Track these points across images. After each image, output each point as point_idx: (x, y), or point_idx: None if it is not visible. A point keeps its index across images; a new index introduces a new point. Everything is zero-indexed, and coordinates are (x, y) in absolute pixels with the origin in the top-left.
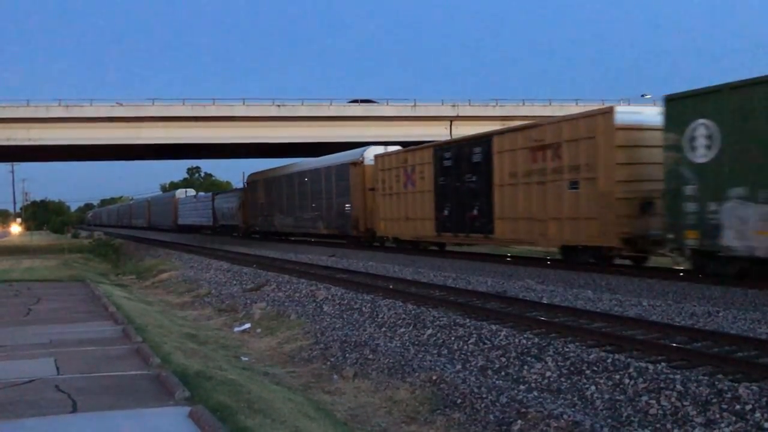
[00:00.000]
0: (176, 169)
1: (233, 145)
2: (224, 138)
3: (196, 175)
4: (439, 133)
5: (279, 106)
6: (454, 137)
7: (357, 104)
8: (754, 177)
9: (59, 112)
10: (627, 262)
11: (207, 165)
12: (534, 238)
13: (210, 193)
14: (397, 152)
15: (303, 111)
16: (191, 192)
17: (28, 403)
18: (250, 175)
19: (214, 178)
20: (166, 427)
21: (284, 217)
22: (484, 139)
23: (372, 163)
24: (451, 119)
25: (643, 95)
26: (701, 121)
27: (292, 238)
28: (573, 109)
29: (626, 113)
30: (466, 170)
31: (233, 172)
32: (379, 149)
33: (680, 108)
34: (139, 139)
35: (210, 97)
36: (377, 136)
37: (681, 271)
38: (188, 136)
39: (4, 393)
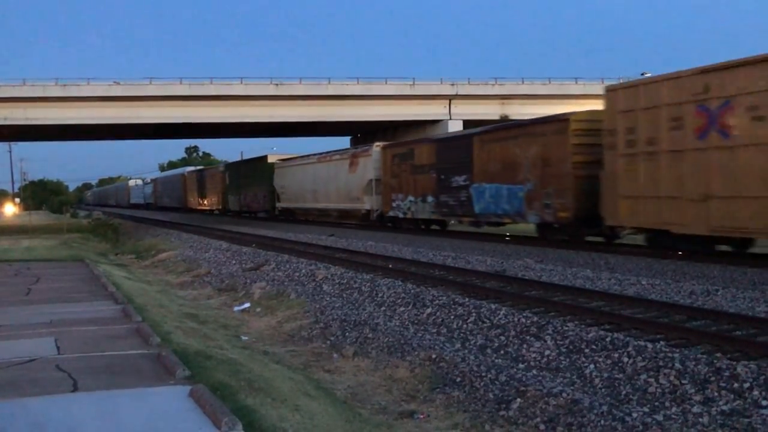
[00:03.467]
0: (175, 148)
1: (231, 125)
2: (222, 117)
3: (195, 154)
4: (438, 112)
5: (277, 85)
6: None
7: (355, 83)
8: (235, 189)
9: (56, 92)
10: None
11: (205, 144)
12: (258, 209)
13: (142, 183)
14: (200, 171)
15: (301, 90)
16: (139, 182)
17: (29, 382)
18: (153, 178)
19: (212, 157)
20: (166, 406)
21: (166, 199)
22: (222, 167)
23: (189, 174)
24: (450, 98)
25: (642, 73)
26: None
27: (215, 212)
28: (572, 88)
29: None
30: (213, 184)
31: (232, 151)
32: (192, 169)
33: (227, 168)
34: (136, 119)
35: (208, 76)
36: (376, 115)
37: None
38: (186, 116)
39: (5, 372)
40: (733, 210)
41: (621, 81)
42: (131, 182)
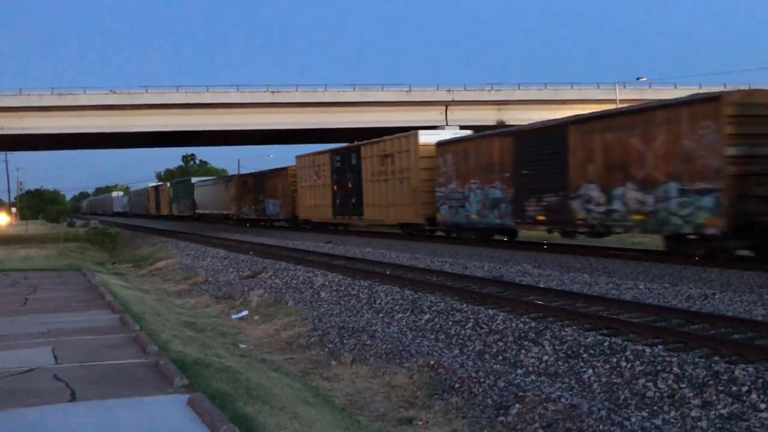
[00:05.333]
0: (173, 156)
1: (228, 132)
2: (218, 125)
3: (191, 162)
4: (434, 118)
5: (273, 92)
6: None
7: (351, 90)
8: (176, 200)
9: (52, 101)
10: None
11: (203, 152)
12: (188, 214)
13: (122, 195)
14: (156, 187)
15: (297, 97)
16: (120, 193)
17: (27, 392)
18: (132, 191)
19: (209, 165)
20: (165, 415)
21: (137, 208)
22: (169, 184)
23: (150, 189)
24: (447, 104)
25: (638, 78)
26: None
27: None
28: (568, 93)
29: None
30: (142, 201)
31: (229, 159)
32: (153, 185)
33: (171, 185)
34: (133, 127)
35: (204, 84)
36: (372, 122)
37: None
38: (182, 124)
39: (2, 382)
40: (323, 210)
41: (617, 85)
42: (114, 194)
